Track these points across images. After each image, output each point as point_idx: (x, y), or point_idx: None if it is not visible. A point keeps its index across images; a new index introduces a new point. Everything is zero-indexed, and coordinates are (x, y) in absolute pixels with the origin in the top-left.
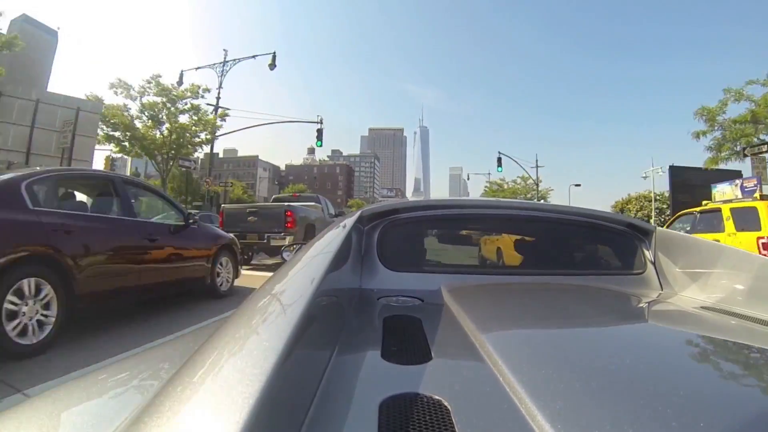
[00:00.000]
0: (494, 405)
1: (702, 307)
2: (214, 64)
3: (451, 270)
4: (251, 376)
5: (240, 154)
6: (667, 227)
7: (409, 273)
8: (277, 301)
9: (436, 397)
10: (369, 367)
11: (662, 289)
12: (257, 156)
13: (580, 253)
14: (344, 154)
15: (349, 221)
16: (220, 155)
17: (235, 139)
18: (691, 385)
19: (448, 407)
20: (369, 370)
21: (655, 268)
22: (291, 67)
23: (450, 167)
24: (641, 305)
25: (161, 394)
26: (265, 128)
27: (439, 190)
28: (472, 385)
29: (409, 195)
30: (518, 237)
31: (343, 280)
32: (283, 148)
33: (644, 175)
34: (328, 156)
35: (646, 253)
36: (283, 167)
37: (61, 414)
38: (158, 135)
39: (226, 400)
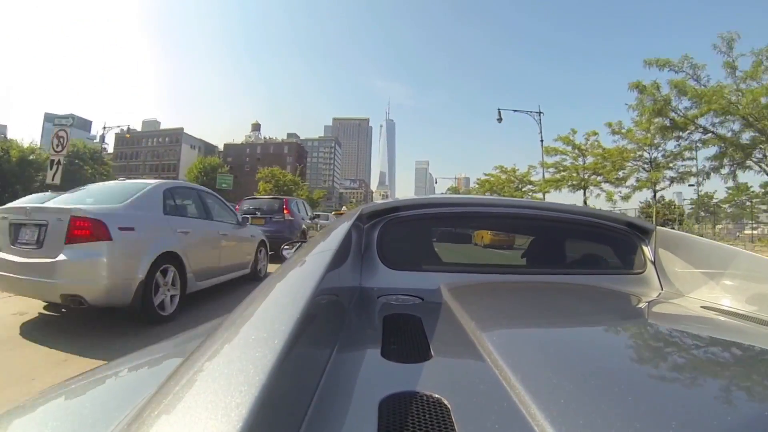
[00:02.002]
0: (494, 403)
1: (702, 307)
2: None
3: (451, 269)
4: (251, 374)
5: (164, 126)
6: None
7: (409, 271)
8: (276, 300)
9: (436, 396)
10: (369, 365)
11: (662, 289)
12: (182, 129)
13: (580, 253)
14: (302, 138)
15: (349, 219)
16: (138, 128)
17: (162, 111)
18: (691, 385)
19: (448, 406)
20: (369, 369)
21: (655, 268)
22: (254, 52)
23: (416, 161)
24: (641, 305)
25: (160, 393)
26: (205, 105)
27: (405, 184)
28: (472, 383)
29: (374, 188)
30: (519, 236)
31: (343, 279)
32: (234, 128)
33: None
34: (282, 140)
35: (647, 252)
36: (221, 146)
37: (61, 414)
38: None
39: (226, 399)
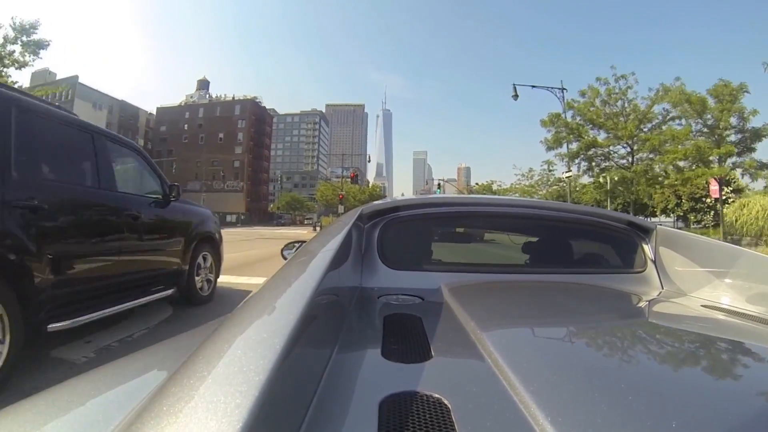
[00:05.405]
0: (494, 403)
1: (703, 306)
2: None
3: (452, 268)
4: (251, 375)
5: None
6: None
7: (409, 271)
8: (277, 300)
9: (436, 396)
10: (369, 365)
11: (663, 288)
12: (76, 77)
13: (580, 252)
14: (280, 112)
15: (349, 219)
16: (25, 84)
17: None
18: (692, 383)
19: (449, 405)
20: (369, 369)
21: (656, 267)
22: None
23: (414, 151)
24: (642, 304)
25: (161, 393)
26: (143, 60)
27: (403, 174)
28: (472, 383)
29: (371, 179)
30: (519, 235)
31: (343, 279)
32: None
33: None
34: (233, 97)
35: (647, 251)
36: (153, 110)
37: (60, 413)
38: None
39: (226, 399)
